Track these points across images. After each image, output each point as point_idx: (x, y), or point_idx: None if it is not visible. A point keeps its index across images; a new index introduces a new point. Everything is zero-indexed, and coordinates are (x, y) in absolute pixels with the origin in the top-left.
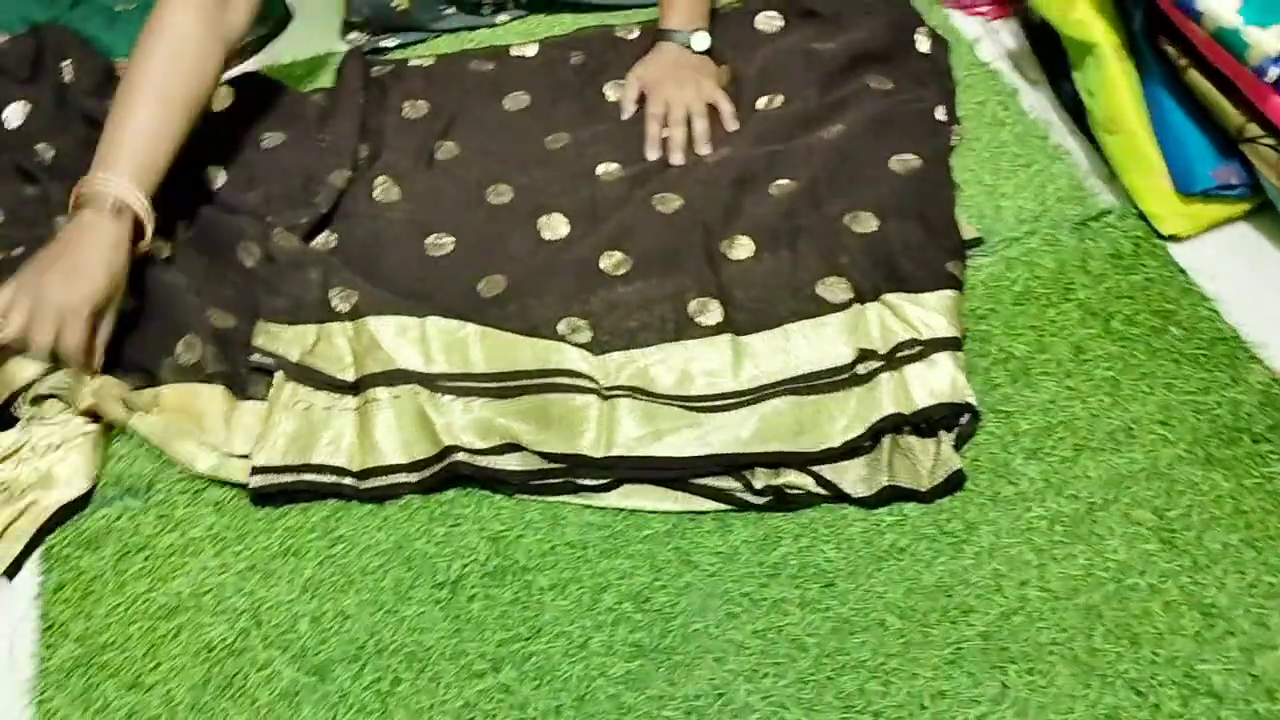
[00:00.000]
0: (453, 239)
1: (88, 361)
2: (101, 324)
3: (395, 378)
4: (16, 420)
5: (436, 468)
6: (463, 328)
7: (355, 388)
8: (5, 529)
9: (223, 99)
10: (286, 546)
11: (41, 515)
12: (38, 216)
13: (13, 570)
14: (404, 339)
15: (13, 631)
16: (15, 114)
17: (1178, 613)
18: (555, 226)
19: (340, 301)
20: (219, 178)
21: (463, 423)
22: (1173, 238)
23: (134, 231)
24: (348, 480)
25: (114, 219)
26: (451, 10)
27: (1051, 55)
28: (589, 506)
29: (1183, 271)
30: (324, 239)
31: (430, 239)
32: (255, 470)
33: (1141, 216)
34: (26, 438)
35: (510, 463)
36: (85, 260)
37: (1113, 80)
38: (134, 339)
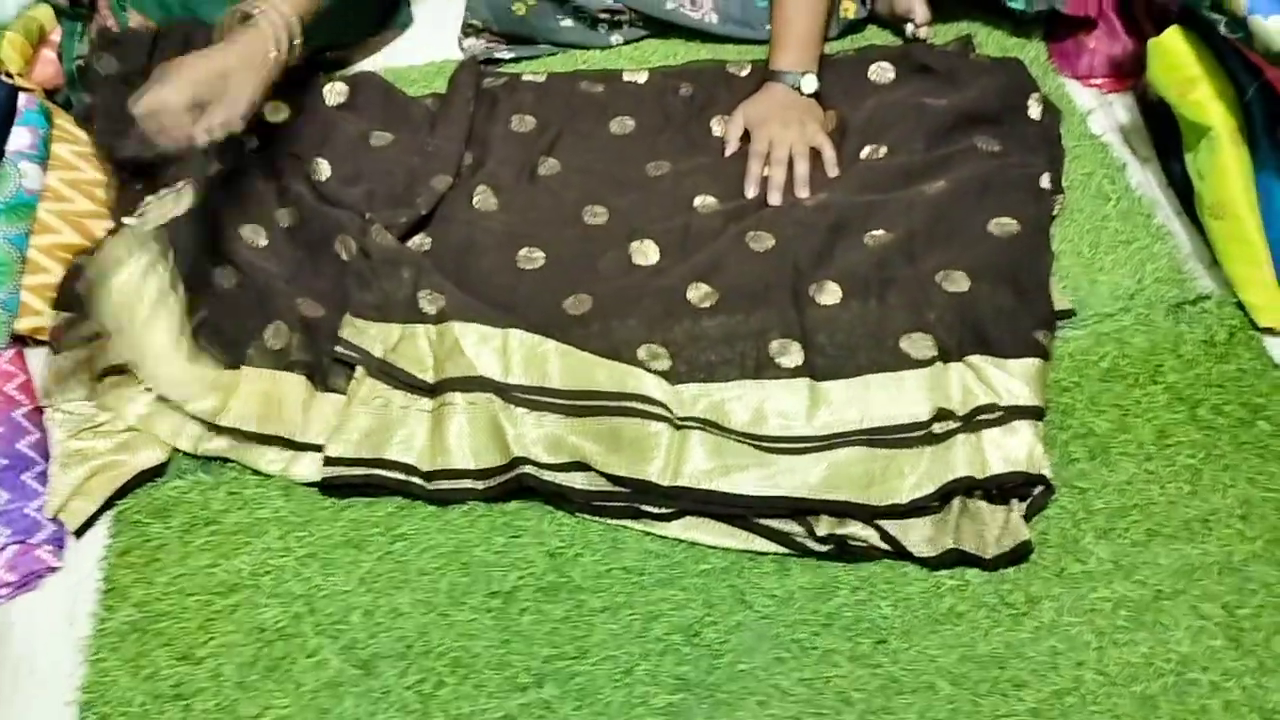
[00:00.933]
0: (544, 254)
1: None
2: (214, 111)
3: (472, 384)
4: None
5: (504, 477)
6: (544, 343)
7: (433, 390)
8: (79, 487)
9: (336, 95)
10: (348, 538)
11: (119, 478)
12: None
13: (83, 530)
14: (485, 347)
15: (76, 588)
16: None
17: (1238, 714)
18: (647, 252)
19: (428, 304)
20: (324, 170)
21: (534, 436)
22: (1270, 330)
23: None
24: (416, 480)
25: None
26: (569, 22)
27: (1164, 133)
28: (649, 534)
29: (1277, 366)
30: (418, 240)
31: (522, 251)
32: (329, 461)
33: (1240, 306)
34: (107, 416)
35: (576, 480)
36: (204, 57)
37: (1225, 165)
38: (226, 319)
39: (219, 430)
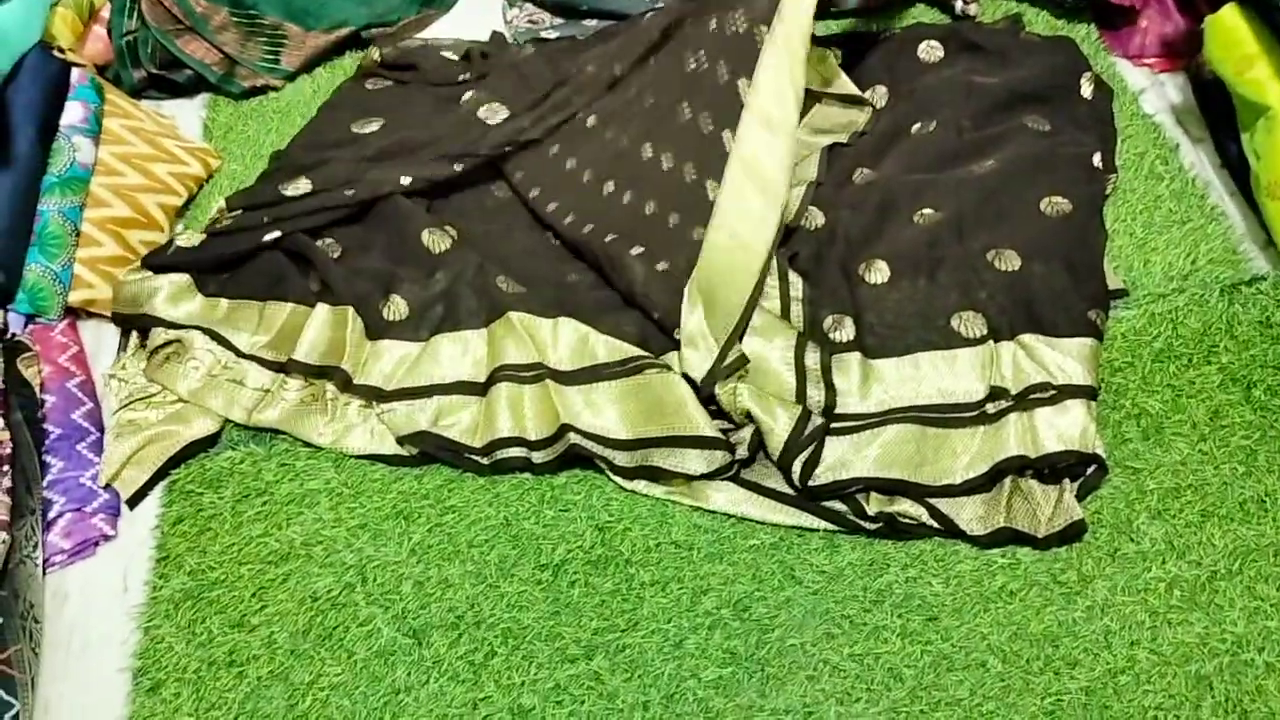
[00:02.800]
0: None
1: None
2: None
3: (525, 369)
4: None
5: (555, 446)
6: (590, 332)
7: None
8: (133, 456)
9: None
10: (399, 509)
11: (172, 448)
12: None
13: (136, 499)
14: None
15: (129, 557)
16: None
17: None
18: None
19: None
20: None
21: (579, 404)
22: None
23: None
24: (475, 457)
25: None
26: None
27: (1218, 113)
28: (698, 509)
29: None
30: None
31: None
32: (400, 440)
33: None
34: (158, 388)
35: (618, 458)
36: None
37: None
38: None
39: (271, 401)
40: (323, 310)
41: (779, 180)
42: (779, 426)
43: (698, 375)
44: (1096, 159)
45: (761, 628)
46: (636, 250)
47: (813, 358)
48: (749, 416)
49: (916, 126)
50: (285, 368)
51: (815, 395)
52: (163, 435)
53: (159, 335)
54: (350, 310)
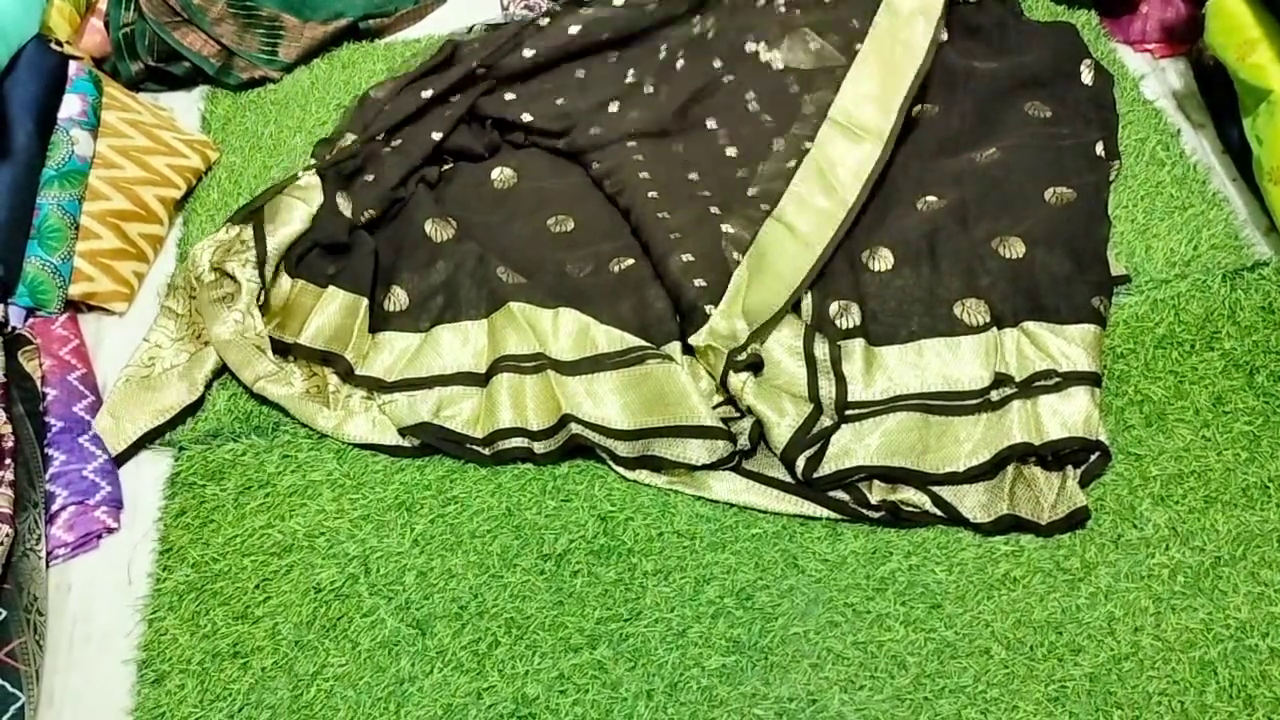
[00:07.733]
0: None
1: None
2: None
3: (526, 360)
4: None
5: (557, 436)
6: (591, 324)
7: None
8: (125, 413)
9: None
10: (401, 500)
11: (164, 414)
12: None
13: (123, 458)
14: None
15: (133, 550)
16: None
17: None
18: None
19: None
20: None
21: (581, 393)
22: None
23: None
24: (476, 447)
25: None
26: None
27: (1219, 98)
28: (700, 498)
29: None
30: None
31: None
32: (403, 431)
33: None
34: (169, 350)
35: (619, 448)
36: None
37: None
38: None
39: (282, 379)
40: (337, 295)
41: (850, 186)
42: (784, 423)
43: (723, 347)
44: (1099, 148)
45: (765, 616)
46: (675, 235)
47: (821, 349)
48: (751, 411)
49: (916, 111)
50: (290, 350)
51: (827, 387)
52: (150, 389)
53: (230, 268)
54: (364, 301)
